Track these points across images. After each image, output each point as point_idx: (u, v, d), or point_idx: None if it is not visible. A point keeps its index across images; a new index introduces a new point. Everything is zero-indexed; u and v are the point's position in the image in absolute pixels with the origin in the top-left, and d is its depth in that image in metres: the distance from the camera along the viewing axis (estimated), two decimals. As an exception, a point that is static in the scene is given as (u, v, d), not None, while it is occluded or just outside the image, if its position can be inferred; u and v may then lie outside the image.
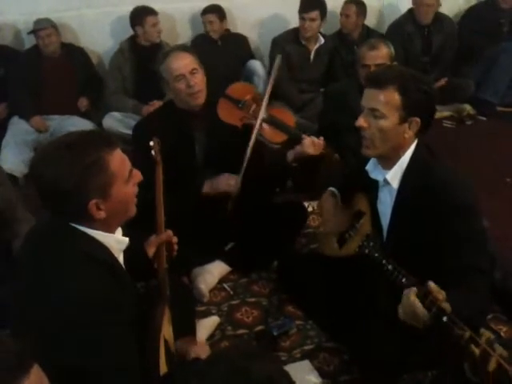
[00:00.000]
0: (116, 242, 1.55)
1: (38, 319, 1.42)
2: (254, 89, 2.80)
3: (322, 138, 2.49)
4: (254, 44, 4.60)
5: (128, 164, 1.54)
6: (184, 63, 2.46)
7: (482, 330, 1.45)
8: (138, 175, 1.57)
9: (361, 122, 1.84)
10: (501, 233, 2.58)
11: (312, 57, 4.24)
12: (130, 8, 4.17)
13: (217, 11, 4.21)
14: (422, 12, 4.33)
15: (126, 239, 1.59)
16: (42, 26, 3.87)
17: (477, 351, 1.40)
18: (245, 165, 2.48)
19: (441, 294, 1.54)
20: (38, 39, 3.91)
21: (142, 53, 4.04)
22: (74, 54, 4.08)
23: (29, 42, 4.07)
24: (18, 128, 3.81)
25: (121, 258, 1.61)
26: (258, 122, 2.54)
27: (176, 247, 1.92)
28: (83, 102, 4.08)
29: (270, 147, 2.66)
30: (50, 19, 3.92)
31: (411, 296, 1.57)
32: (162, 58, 2.52)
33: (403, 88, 1.78)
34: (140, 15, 4.00)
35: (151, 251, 1.84)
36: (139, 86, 4.02)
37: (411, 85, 1.79)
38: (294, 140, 2.54)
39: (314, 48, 4.22)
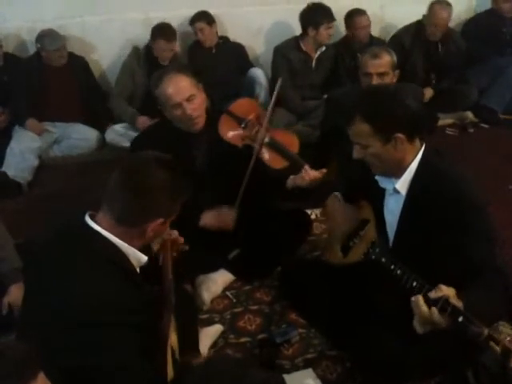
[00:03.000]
0: (135, 255, 1.60)
1: (43, 320, 1.44)
2: (258, 106, 2.70)
3: (323, 170, 2.40)
4: (254, 53, 4.62)
5: None
6: (180, 89, 2.35)
7: (501, 328, 1.45)
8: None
9: (355, 155, 1.90)
10: (503, 240, 2.58)
11: (314, 63, 4.28)
12: (133, 15, 4.21)
13: (205, 17, 4.19)
14: (432, 29, 4.29)
15: (145, 258, 1.63)
16: (56, 47, 3.88)
17: (497, 348, 1.40)
18: (240, 197, 2.46)
19: (451, 291, 1.55)
20: (47, 53, 3.91)
21: (156, 64, 3.99)
22: (76, 63, 4.10)
23: (33, 49, 4.08)
24: (23, 135, 3.82)
25: (138, 270, 1.65)
26: (258, 147, 2.46)
27: (183, 247, 1.92)
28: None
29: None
30: (58, 33, 3.93)
31: (420, 304, 1.56)
32: (157, 80, 2.41)
33: (366, 116, 1.79)
34: (155, 35, 3.97)
35: (155, 247, 1.84)
36: (148, 97, 4.00)
37: (372, 108, 1.80)
38: (295, 166, 2.47)
39: (315, 55, 4.26)
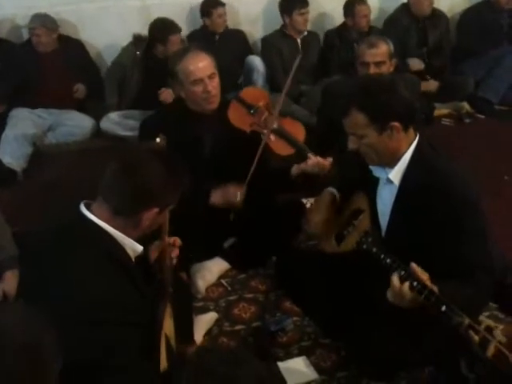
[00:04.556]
0: (132, 245, 1.61)
1: (49, 313, 1.44)
2: (267, 95, 2.75)
3: (330, 158, 2.46)
4: (252, 39, 4.62)
5: None
6: (202, 66, 2.40)
7: (482, 318, 1.47)
8: None
9: (350, 145, 1.89)
10: (498, 230, 2.59)
11: (300, 45, 4.37)
12: (130, 2, 4.19)
13: (223, 4, 4.23)
14: (418, 4, 4.40)
15: (141, 248, 1.64)
16: (33, 26, 3.87)
17: (476, 338, 1.42)
18: (250, 176, 2.45)
19: (424, 275, 1.59)
20: (30, 35, 3.94)
21: (156, 65, 3.91)
22: (71, 47, 4.07)
23: (27, 36, 4.05)
24: (18, 122, 3.79)
25: (133, 259, 1.66)
26: (267, 133, 2.50)
27: (176, 254, 1.91)
28: (79, 88, 4.03)
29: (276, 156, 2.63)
30: (46, 16, 3.90)
31: (394, 278, 1.62)
32: (179, 56, 2.46)
33: (361, 105, 1.79)
34: (162, 33, 3.89)
35: (154, 255, 1.85)
36: (143, 95, 3.97)
37: (367, 98, 1.79)
38: (301, 154, 2.52)
39: (299, 37, 4.37)
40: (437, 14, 4.56)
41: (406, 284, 1.59)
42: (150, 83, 3.90)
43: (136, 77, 3.98)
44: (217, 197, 2.49)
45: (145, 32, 4.03)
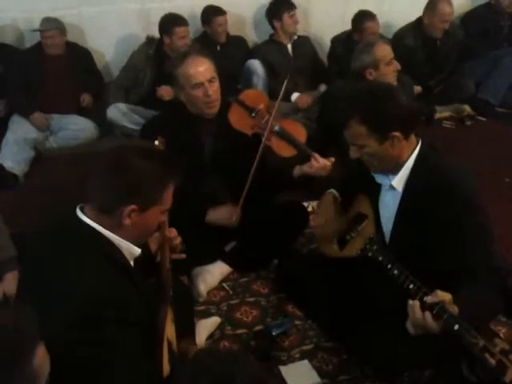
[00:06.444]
0: (128, 247, 1.60)
1: (42, 316, 1.44)
2: (267, 98, 2.75)
3: (332, 158, 2.46)
4: (252, 43, 4.62)
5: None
6: (203, 70, 2.40)
7: (496, 340, 1.45)
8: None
9: (352, 155, 1.90)
10: (499, 232, 2.58)
11: (290, 50, 4.38)
12: (130, 5, 4.19)
13: (224, 13, 4.21)
14: (432, 27, 4.27)
15: (138, 250, 1.63)
16: (46, 28, 3.85)
17: (492, 361, 1.40)
18: (245, 191, 2.44)
19: (447, 296, 1.56)
20: (42, 38, 3.91)
21: (166, 62, 3.83)
22: (77, 54, 4.07)
23: (29, 39, 4.06)
24: (19, 126, 3.79)
25: (131, 263, 1.65)
26: (267, 135, 2.49)
27: (178, 245, 1.91)
28: (86, 98, 4.05)
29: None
30: (57, 20, 3.90)
31: (416, 311, 1.58)
32: (179, 60, 2.44)
33: (361, 117, 1.79)
34: (169, 24, 3.89)
35: (154, 247, 1.85)
36: (152, 94, 3.94)
37: (367, 109, 1.80)
38: (303, 155, 2.52)
39: (289, 43, 4.38)
40: (450, 34, 4.39)
41: (428, 314, 1.56)
42: (159, 82, 3.89)
43: (148, 77, 3.97)
44: (213, 216, 2.51)
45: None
